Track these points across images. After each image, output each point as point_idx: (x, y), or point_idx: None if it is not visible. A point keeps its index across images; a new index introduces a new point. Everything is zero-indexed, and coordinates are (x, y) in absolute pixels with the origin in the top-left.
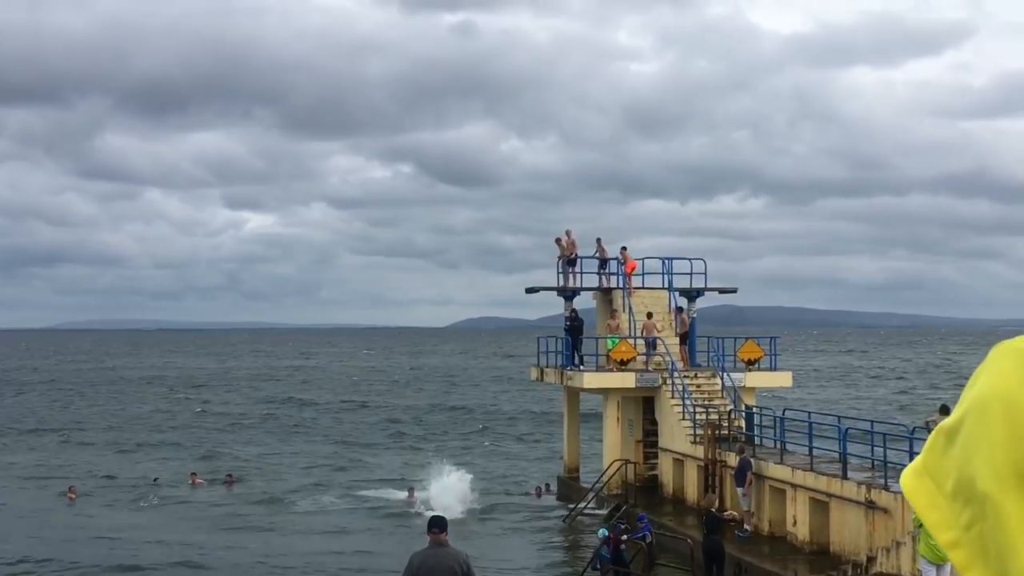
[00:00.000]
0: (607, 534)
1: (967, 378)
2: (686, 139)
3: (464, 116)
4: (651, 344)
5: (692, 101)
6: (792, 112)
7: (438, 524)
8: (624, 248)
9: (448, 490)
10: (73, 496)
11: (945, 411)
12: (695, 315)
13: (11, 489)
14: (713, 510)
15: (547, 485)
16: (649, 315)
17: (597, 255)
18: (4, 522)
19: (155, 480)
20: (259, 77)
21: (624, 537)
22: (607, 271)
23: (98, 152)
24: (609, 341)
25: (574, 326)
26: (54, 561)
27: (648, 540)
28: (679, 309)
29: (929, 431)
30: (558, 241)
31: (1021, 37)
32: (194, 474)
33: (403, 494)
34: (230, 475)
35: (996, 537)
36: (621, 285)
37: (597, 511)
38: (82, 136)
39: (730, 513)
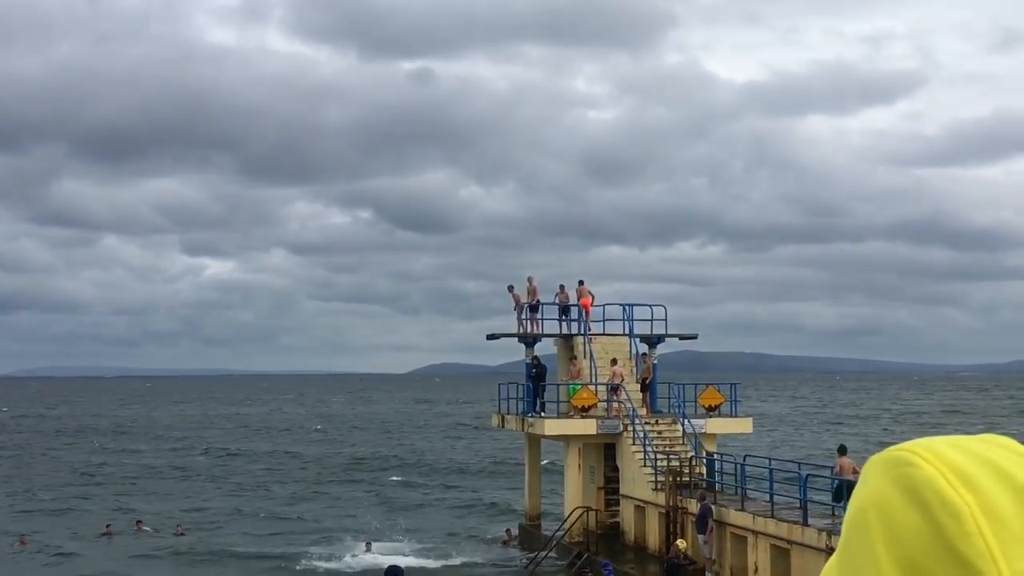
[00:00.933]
0: None
1: (917, 416)
2: (644, 185)
3: (423, 162)
4: (615, 391)
5: (650, 148)
6: (749, 159)
7: (396, 574)
8: (582, 282)
9: (398, 543)
10: (24, 544)
11: (843, 451)
12: (656, 361)
13: None
14: (676, 558)
15: (509, 531)
16: (614, 361)
17: (558, 301)
18: None
19: (107, 527)
20: (217, 123)
21: None
22: (569, 318)
23: (54, 198)
24: (570, 388)
25: (537, 373)
26: None
27: None
28: (643, 355)
29: (833, 475)
30: (511, 289)
31: (971, 86)
32: (139, 521)
33: (359, 546)
34: (179, 525)
35: None
36: (582, 331)
37: (558, 560)
38: (38, 182)
39: (684, 549)
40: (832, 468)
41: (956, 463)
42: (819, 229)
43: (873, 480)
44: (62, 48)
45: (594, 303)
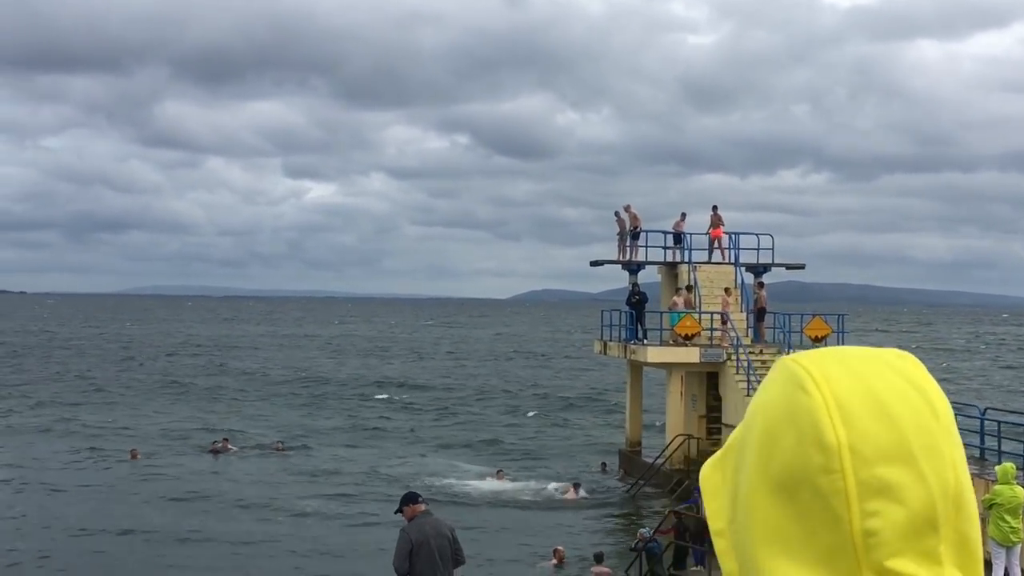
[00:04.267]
0: (650, 533)
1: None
2: (744, 112)
3: (519, 87)
4: (724, 320)
5: (750, 74)
6: (853, 86)
7: (414, 498)
8: (715, 208)
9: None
10: (136, 456)
11: None
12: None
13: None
14: None
15: (604, 463)
16: (727, 290)
17: (674, 229)
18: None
19: (219, 442)
20: (313, 46)
21: (679, 508)
22: (682, 246)
23: (159, 120)
24: (671, 316)
25: (639, 300)
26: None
27: (697, 512)
28: (759, 285)
29: None
30: (617, 215)
31: None
32: (225, 439)
33: (491, 478)
34: (280, 442)
35: (741, 534)
36: (687, 259)
37: (658, 488)
38: (143, 104)
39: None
40: None
41: (844, 394)
42: (928, 158)
43: (772, 386)
44: None
45: (725, 230)
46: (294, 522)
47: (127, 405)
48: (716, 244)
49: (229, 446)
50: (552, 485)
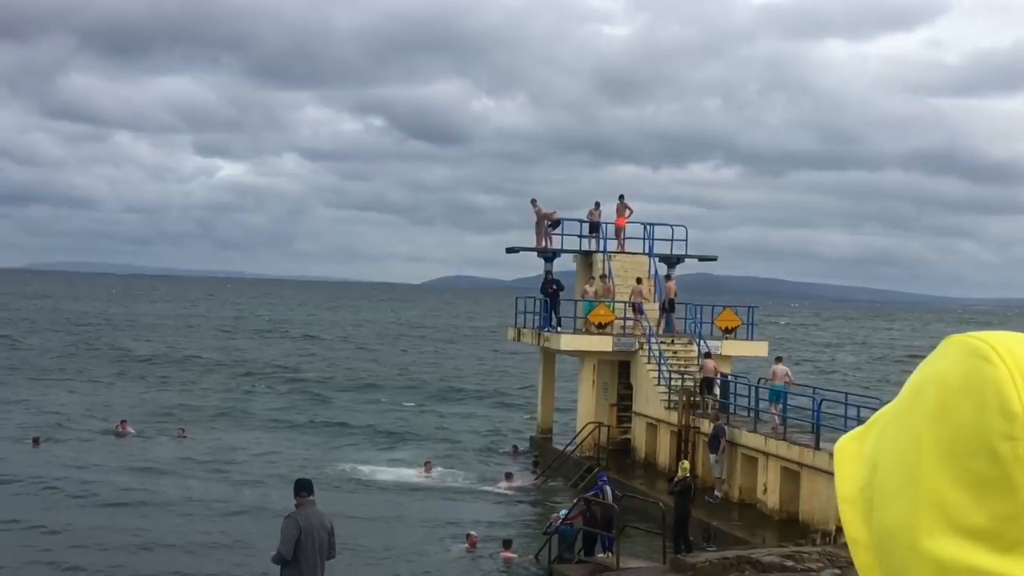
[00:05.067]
0: (567, 513)
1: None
2: (658, 104)
3: (434, 72)
4: (637, 309)
5: (663, 66)
6: (764, 81)
7: (307, 487)
8: (622, 197)
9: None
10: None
11: (778, 360)
12: (674, 283)
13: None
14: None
15: (515, 446)
16: (639, 280)
17: (589, 219)
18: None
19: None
20: (225, 23)
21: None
22: (597, 235)
23: (63, 91)
24: (586, 305)
25: (554, 290)
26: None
27: (603, 499)
28: (667, 277)
29: (766, 382)
30: (534, 202)
31: (993, 15)
32: (124, 421)
33: (413, 470)
34: (182, 428)
35: (890, 503)
36: (601, 248)
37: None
38: (47, 74)
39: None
40: (767, 377)
41: None
42: (835, 156)
43: (945, 360)
44: None
45: (630, 218)
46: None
47: (8, 386)
48: (619, 233)
49: (128, 428)
50: (482, 476)
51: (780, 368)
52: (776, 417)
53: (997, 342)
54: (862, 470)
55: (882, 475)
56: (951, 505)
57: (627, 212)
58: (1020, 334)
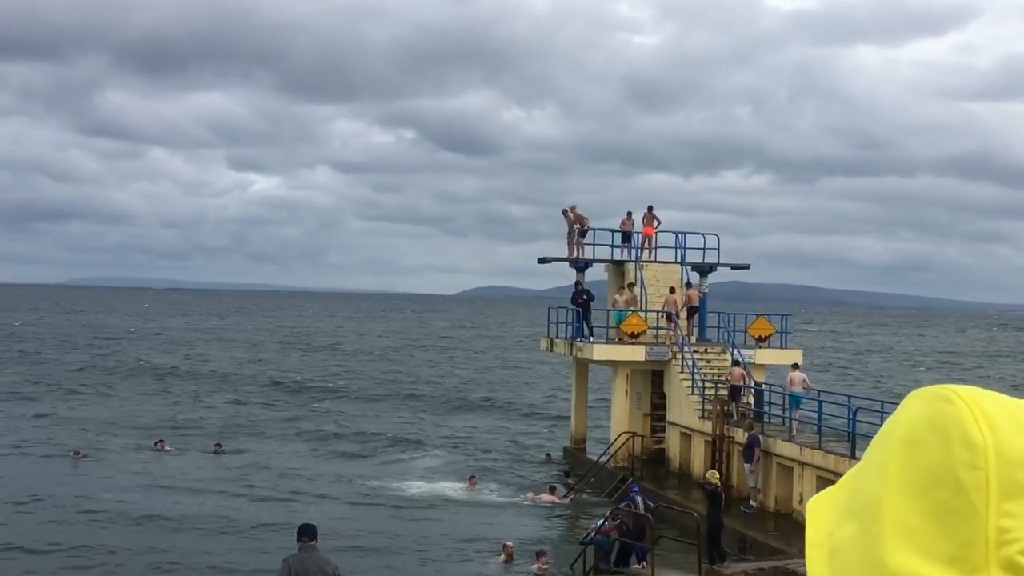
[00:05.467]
0: (600, 526)
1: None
2: (688, 113)
3: (464, 83)
4: (671, 319)
5: (693, 74)
6: (794, 88)
7: (308, 532)
8: (650, 208)
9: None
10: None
11: (795, 367)
12: (707, 290)
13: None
14: (709, 485)
15: (548, 455)
16: (672, 290)
17: (622, 228)
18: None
19: (158, 444)
20: (258, 37)
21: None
22: (629, 245)
23: (100, 109)
24: (616, 314)
25: (585, 300)
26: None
27: (635, 510)
28: (687, 284)
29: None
30: (564, 213)
31: (1023, 20)
32: (161, 440)
33: (457, 484)
34: (219, 444)
35: (861, 539)
36: (634, 257)
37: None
38: (83, 93)
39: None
40: (785, 384)
41: (989, 409)
42: (867, 162)
43: (909, 408)
44: None
45: (658, 228)
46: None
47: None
48: (646, 243)
49: (166, 447)
50: (529, 493)
51: (797, 375)
52: (795, 423)
53: (958, 389)
54: (832, 518)
55: (851, 516)
56: (918, 534)
57: (655, 223)
58: (984, 389)
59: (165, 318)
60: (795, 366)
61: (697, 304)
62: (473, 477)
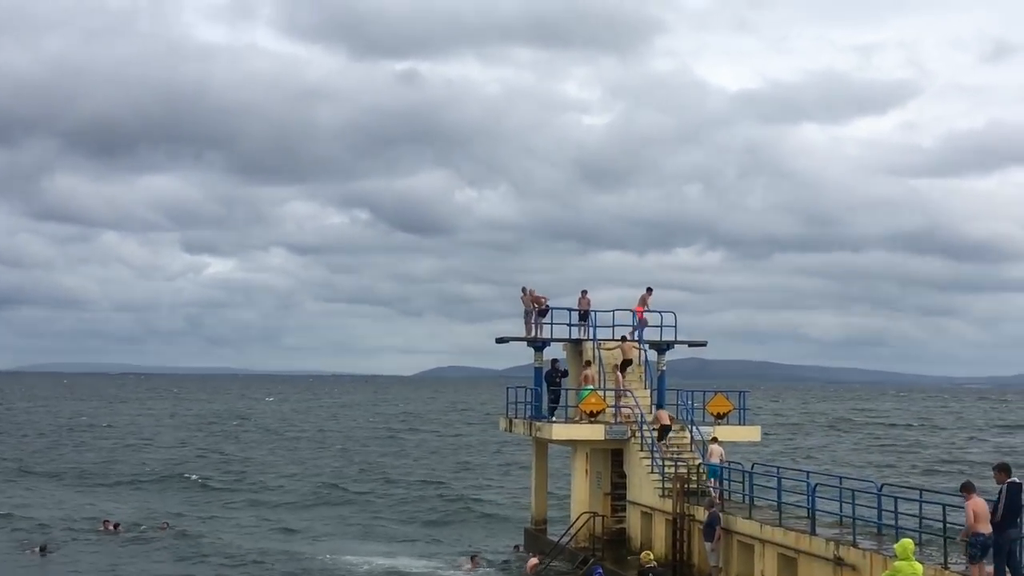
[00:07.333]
0: None
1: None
2: (639, 191)
3: (416, 164)
4: (619, 396)
5: (643, 153)
6: (743, 166)
7: None
8: (650, 290)
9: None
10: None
11: (714, 441)
12: (664, 367)
13: None
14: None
15: (517, 547)
16: (615, 367)
17: (579, 307)
18: None
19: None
20: (209, 120)
21: None
22: (588, 323)
23: (50, 193)
24: (580, 393)
25: (558, 379)
26: None
27: None
28: (622, 338)
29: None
30: (524, 291)
31: (965, 98)
32: (107, 520)
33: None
34: (166, 522)
35: None
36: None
37: (564, 565)
38: (33, 177)
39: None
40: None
41: None
42: (818, 238)
43: None
44: (52, 44)
45: (647, 309)
46: None
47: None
48: (636, 322)
49: (112, 527)
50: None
51: (716, 448)
52: (713, 490)
53: None
54: None
55: None
56: None
57: (647, 304)
58: None
59: (110, 403)
60: (714, 439)
61: (631, 357)
62: (475, 557)
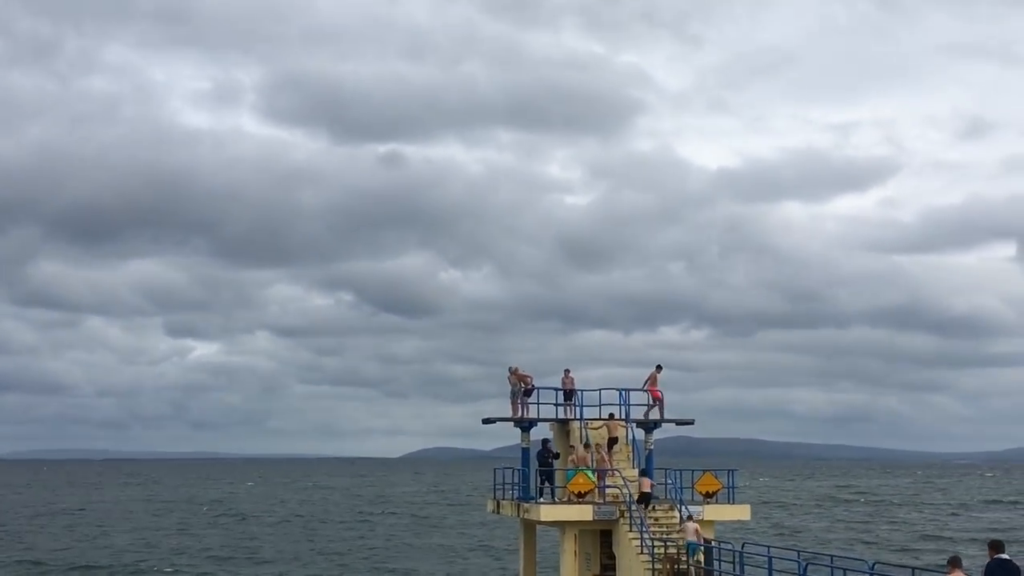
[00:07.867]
0: None
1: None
2: (623, 270)
3: (400, 246)
4: (602, 476)
5: (625, 233)
6: (725, 244)
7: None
8: (659, 367)
9: None
10: None
11: (689, 518)
12: (652, 446)
13: None
14: None
15: None
16: (598, 446)
17: (563, 386)
18: None
19: None
20: (193, 205)
21: None
22: (573, 403)
23: (34, 279)
24: (568, 473)
25: (550, 459)
26: None
27: None
28: (610, 415)
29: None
30: (511, 370)
31: (942, 174)
32: None
33: None
34: None
35: None
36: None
37: None
38: (16, 263)
39: None
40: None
41: None
42: (802, 314)
43: None
44: (35, 130)
45: (661, 392)
46: None
47: None
48: (652, 402)
49: None
50: None
51: (690, 525)
52: (693, 569)
53: None
54: None
55: None
56: None
57: (656, 382)
58: None
59: (87, 491)
60: (690, 517)
61: (616, 435)
62: None
